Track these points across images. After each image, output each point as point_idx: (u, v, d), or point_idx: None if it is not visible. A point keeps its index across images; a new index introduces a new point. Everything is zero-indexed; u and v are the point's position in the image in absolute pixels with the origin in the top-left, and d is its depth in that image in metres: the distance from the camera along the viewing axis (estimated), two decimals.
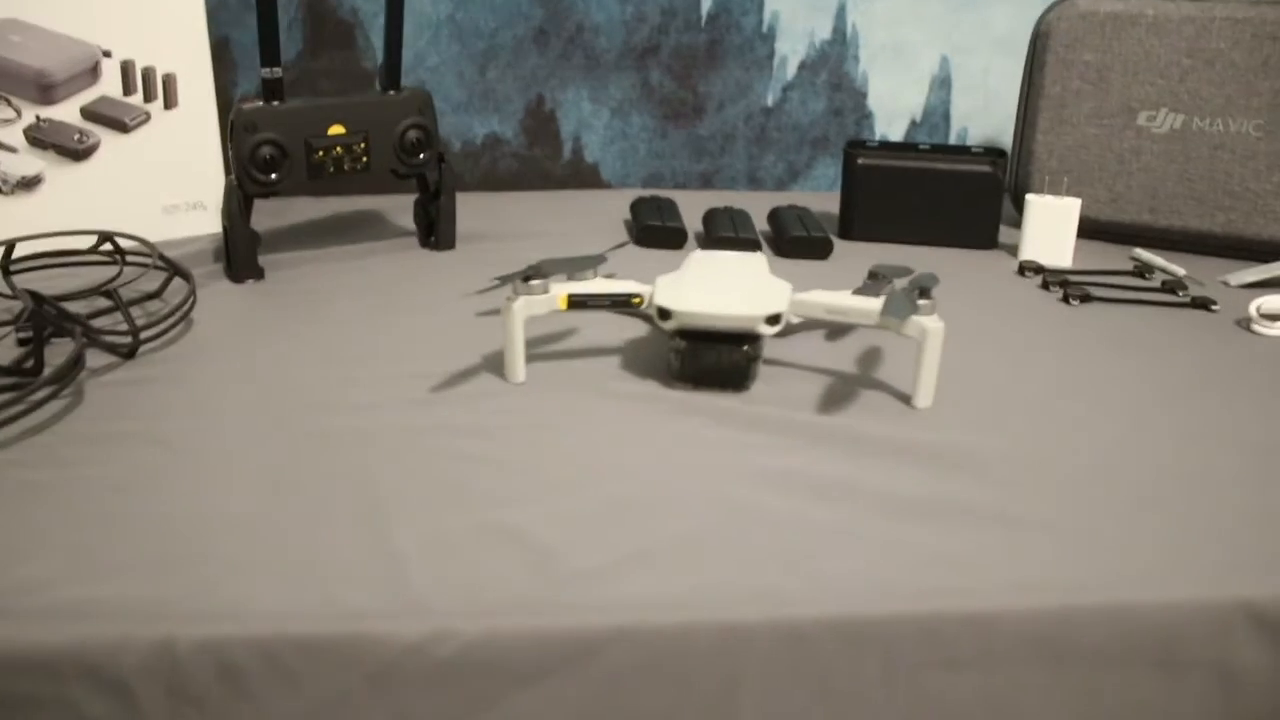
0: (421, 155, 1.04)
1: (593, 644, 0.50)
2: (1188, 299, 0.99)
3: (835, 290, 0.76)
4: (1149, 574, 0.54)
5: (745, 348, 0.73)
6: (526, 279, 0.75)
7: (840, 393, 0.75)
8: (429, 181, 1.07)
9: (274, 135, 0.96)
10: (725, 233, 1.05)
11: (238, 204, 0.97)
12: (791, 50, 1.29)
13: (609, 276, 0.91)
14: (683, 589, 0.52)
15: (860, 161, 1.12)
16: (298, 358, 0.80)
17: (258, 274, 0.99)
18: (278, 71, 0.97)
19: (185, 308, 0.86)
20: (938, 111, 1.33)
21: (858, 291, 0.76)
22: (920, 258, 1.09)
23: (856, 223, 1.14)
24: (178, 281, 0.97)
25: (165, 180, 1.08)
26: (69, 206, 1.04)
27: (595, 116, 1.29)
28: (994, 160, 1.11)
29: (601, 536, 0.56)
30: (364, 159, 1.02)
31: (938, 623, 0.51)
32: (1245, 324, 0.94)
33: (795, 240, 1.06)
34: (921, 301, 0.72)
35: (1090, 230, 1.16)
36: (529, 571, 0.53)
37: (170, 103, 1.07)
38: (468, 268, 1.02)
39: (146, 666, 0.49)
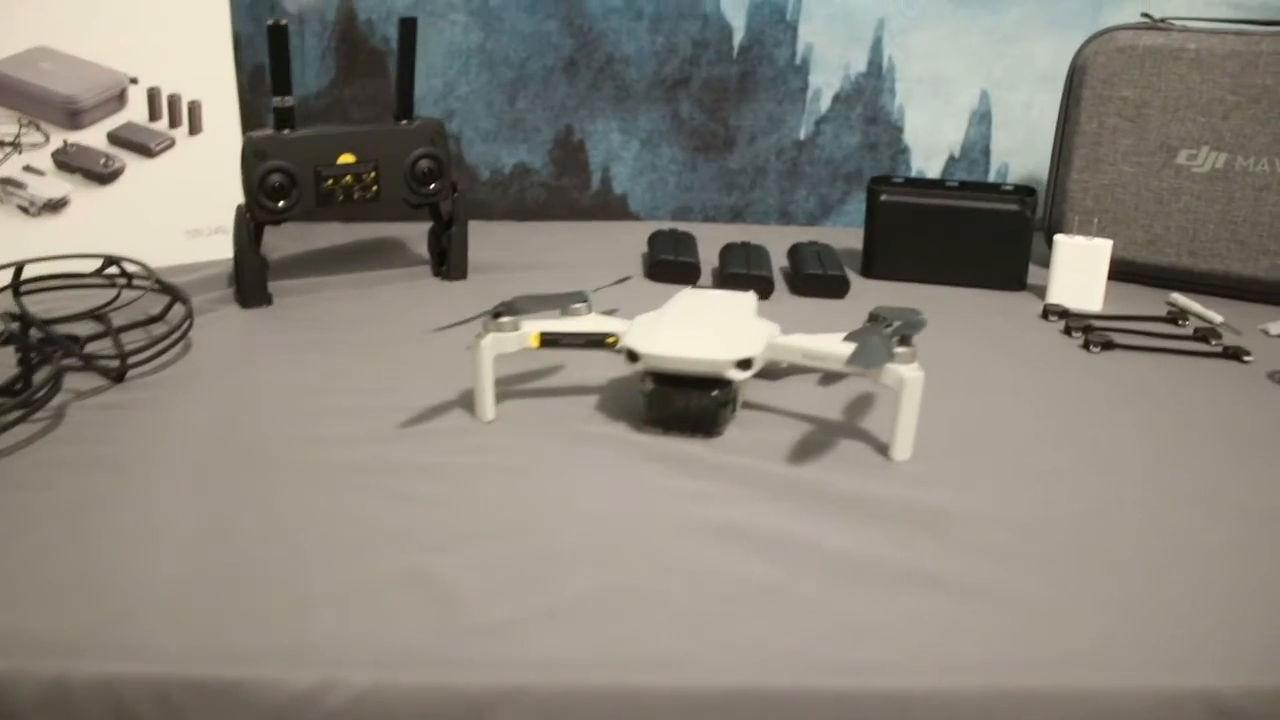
0: (432, 185, 1.04)
1: (483, 703, 0.48)
2: (1219, 348, 0.94)
3: (839, 333, 0.73)
4: (1099, 656, 0.51)
5: (715, 393, 0.71)
6: (496, 316, 0.74)
7: (818, 442, 0.73)
8: (442, 211, 1.07)
9: (283, 163, 0.97)
10: (738, 269, 1.03)
11: (247, 230, 0.97)
12: (826, 83, 1.27)
13: (609, 313, 0.89)
14: (587, 649, 0.50)
15: (883, 198, 1.09)
16: (281, 387, 0.80)
17: (266, 300, 1.00)
18: (289, 100, 0.97)
19: (177, 333, 0.86)
20: (977, 147, 1.29)
21: (851, 336, 0.73)
22: (944, 298, 1.06)
23: (879, 260, 1.11)
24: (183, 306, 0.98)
25: (189, 205, 1.09)
26: (94, 229, 1.06)
27: (624, 148, 1.28)
28: (1023, 199, 1.07)
29: (519, 589, 0.55)
30: (374, 188, 1.02)
31: (849, 700, 0.48)
32: (1277, 377, 0.88)
33: (810, 278, 1.04)
34: (900, 349, 0.69)
35: (1126, 273, 1.12)
36: (436, 623, 0.52)
37: (195, 129, 1.09)
38: (475, 298, 1.01)
39: (43, 702, 0.48)
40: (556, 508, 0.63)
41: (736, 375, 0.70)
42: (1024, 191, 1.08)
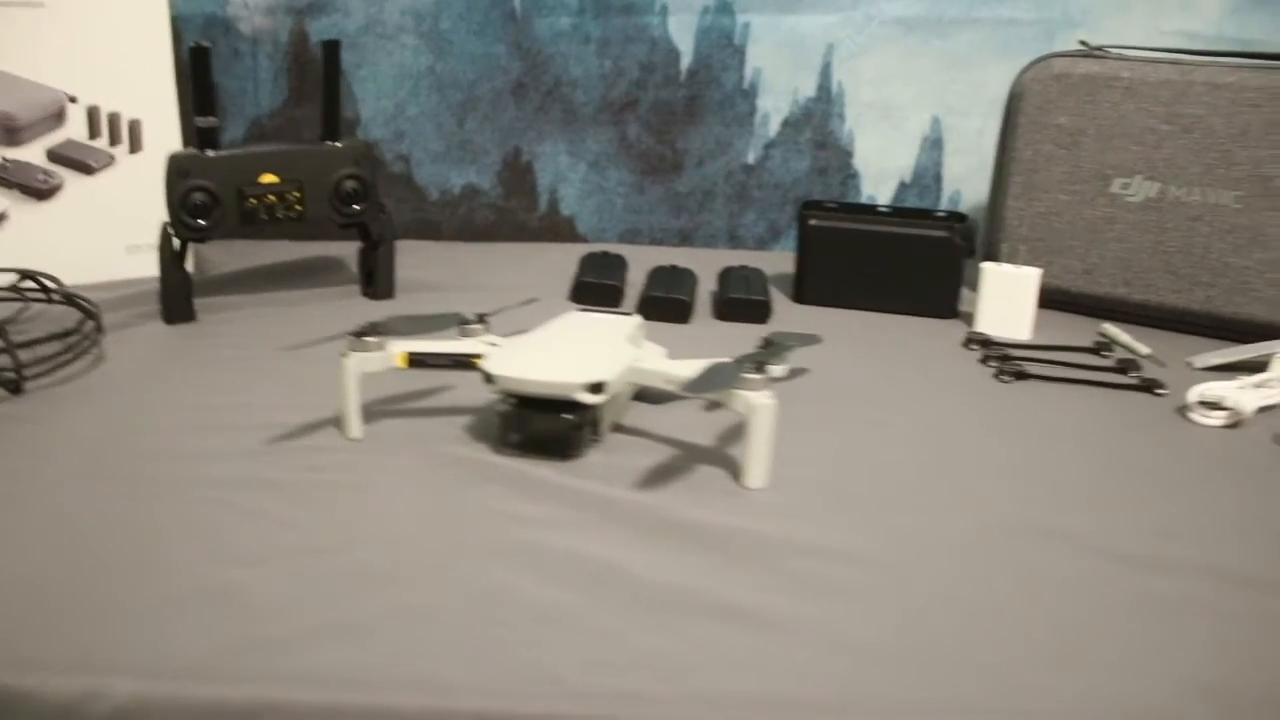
0: (356, 205, 1.04)
1: (237, 715, 0.48)
2: (1135, 381, 0.92)
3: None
4: (884, 697, 0.50)
5: (568, 416, 0.70)
6: (361, 335, 0.74)
7: (678, 468, 0.72)
8: (371, 231, 1.08)
9: (205, 182, 0.98)
10: (657, 292, 1.03)
11: (169, 248, 0.99)
12: (774, 107, 1.26)
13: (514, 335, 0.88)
14: (355, 668, 0.50)
15: (813, 223, 1.09)
16: (176, 403, 0.81)
17: (189, 316, 1.01)
18: (211, 120, 0.99)
19: (79, 348, 0.87)
20: (929, 173, 1.28)
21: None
22: (871, 325, 1.05)
23: (810, 286, 1.10)
24: (111, 319, 0.99)
25: (129, 221, 1.11)
26: (32, 244, 1.08)
27: (572, 170, 1.29)
28: (953, 225, 1.05)
29: (315, 605, 0.55)
30: (299, 207, 1.03)
31: None
32: (1185, 412, 0.86)
33: (732, 302, 1.03)
34: (752, 375, 0.68)
35: (1062, 303, 1.10)
36: (221, 635, 0.52)
37: (135, 147, 1.11)
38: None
39: None
40: (384, 526, 0.63)
41: (588, 398, 0.70)
42: (956, 218, 1.06)
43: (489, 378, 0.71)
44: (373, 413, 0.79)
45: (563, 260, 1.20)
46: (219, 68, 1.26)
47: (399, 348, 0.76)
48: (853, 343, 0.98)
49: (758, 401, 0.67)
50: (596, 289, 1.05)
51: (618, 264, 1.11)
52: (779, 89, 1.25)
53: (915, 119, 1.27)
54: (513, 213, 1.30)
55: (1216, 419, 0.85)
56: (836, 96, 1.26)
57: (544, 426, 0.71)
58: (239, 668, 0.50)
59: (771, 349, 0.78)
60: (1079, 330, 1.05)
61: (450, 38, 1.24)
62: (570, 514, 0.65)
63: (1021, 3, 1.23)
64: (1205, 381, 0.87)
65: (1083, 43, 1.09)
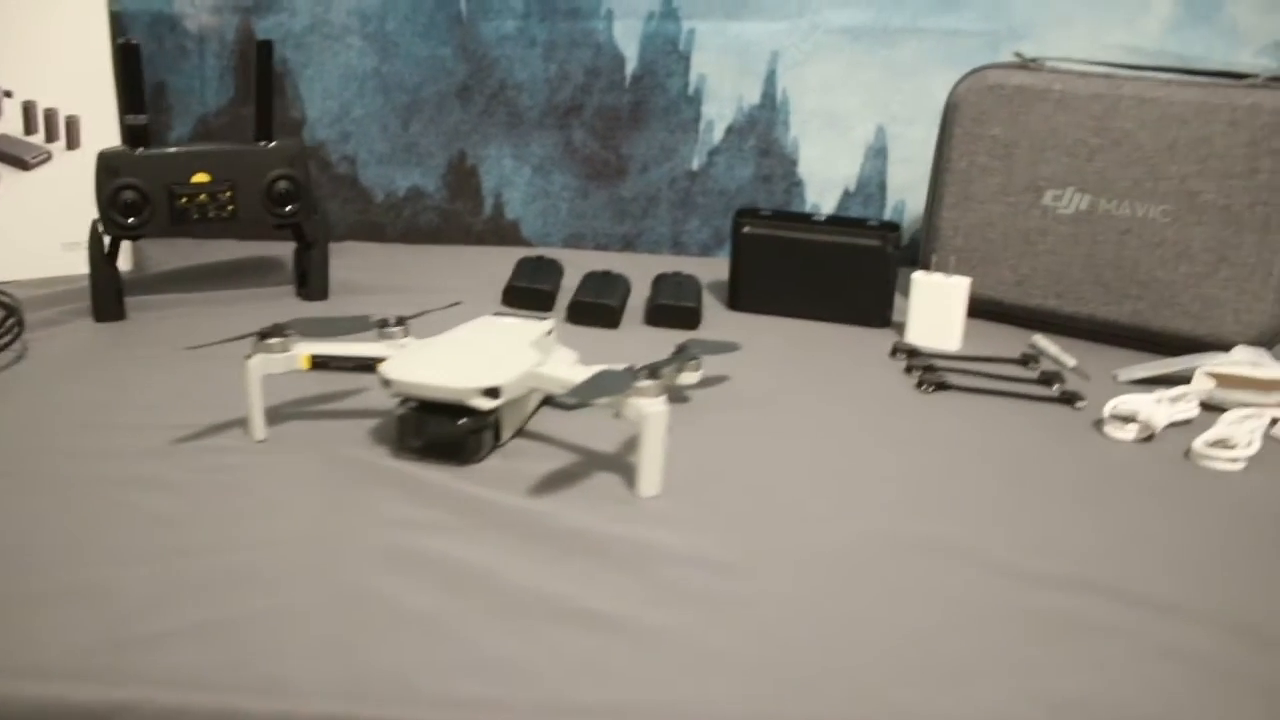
0: (289, 206, 1.04)
1: (82, 716, 0.48)
2: (1057, 393, 0.92)
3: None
4: (735, 704, 0.50)
5: (463, 420, 0.70)
6: (264, 337, 0.74)
7: (576, 474, 0.72)
8: (305, 232, 1.08)
9: (135, 180, 0.98)
10: (586, 298, 1.03)
11: (99, 246, 0.99)
12: (719, 114, 1.27)
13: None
14: (208, 668, 0.50)
15: (746, 230, 1.09)
16: (88, 401, 0.81)
17: (119, 315, 1.01)
18: (141, 118, 0.99)
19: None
20: (873, 182, 1.28)
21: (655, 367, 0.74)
22: (802, 333, 1.05)
23: (744, 293, 1.10)
24: (40, 316, 0.98)
25: (65, 218, 1.11)
26: None
27: (517, 174, 1.29)
28: (885, 234, 1.06)
29: (180, 605, 0.55)
30: (230, 207, 1.03)
31: None
32: (1100, 426, 0.86)
33: (660, 308, 1.03)
34: (645, 383, 0.68)
35: (996, 313, 1.10)
36: (75, 635, 0.52)
37: (73, 143, 1.11)
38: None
39: None
40: (269, 527, 0.63)
41: (483, 403, 0.70)
42: (888, 227, 1.07)
43: (386, 382, 0.71)
44: (284, 414, 0.79)
45: (503, 264, 1.20)
46: (166, 65, 1.26)
47: (303, 350, 0.76)
48: (779, 351, 0.99)
49: (649, 409, 0.67)
50: (527, 293, 1.05)
51: (553, 269, 1.11)
52: (723, 96, 1.26)
53: (860, 128, 1.27)
54: (458, 216, 1.30)
55: (1129, 433, 0.85)
56: (781, 104, 1.26)
57: (440, 431, 0.71)
58: (89, 668, 0.50)
59: (677, 356, 0.78)
60: (1011, 341, 1.05)
61: (396, 39, 1.25)
62: (455, 519, 0.65)
63: (966, 14, 1.23)
64: (1121, 395, 0.87)
65: (1018, 54, 1.09)
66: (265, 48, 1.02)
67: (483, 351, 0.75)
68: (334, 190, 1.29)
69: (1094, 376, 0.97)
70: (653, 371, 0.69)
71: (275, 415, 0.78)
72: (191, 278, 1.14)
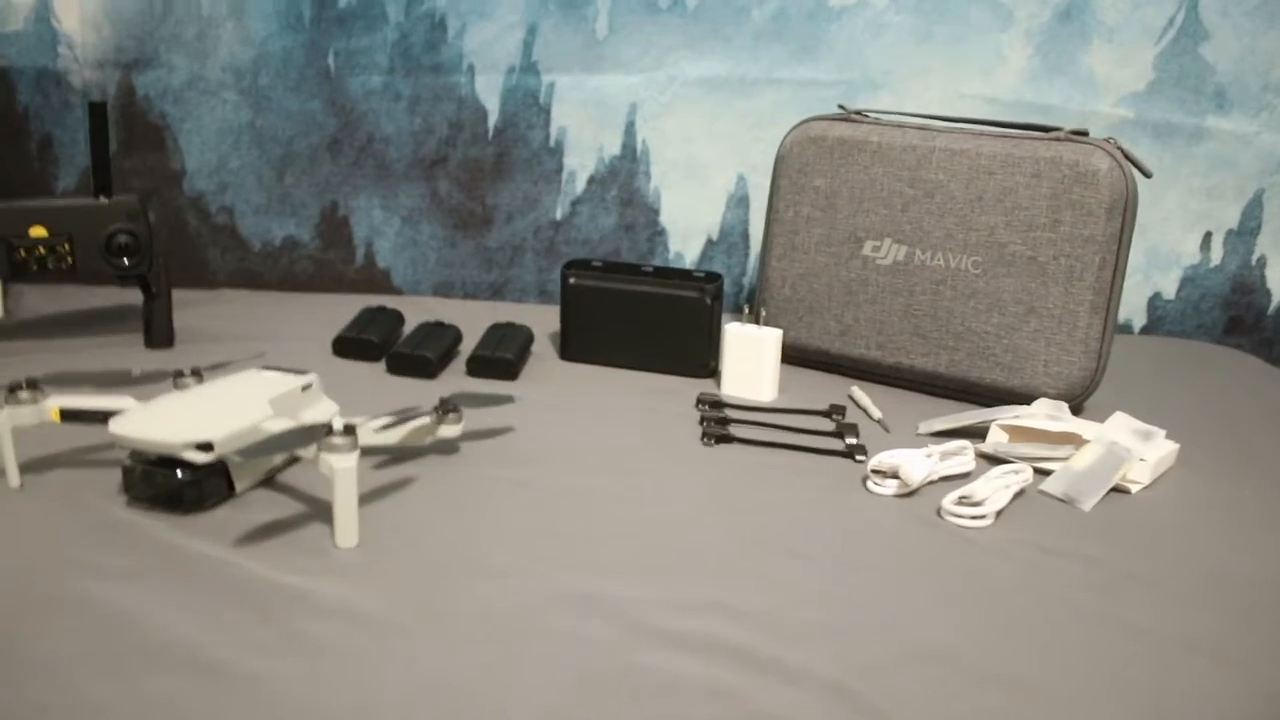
0: (127, 260, 1.08)
1: None
2: (843, 446, 0.93)
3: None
4: None
5: (180, 472, 0.73)
6: (13, 390, 0.77)
7: (293, 525, 0.74)
8: (150, 283, 1.11)
9: None
10: (404, 349, 1.05)
11: None
12: (580, 165, 1.29)
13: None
14: None
15: (572, 281, 1.10)
16: None
17: None
18: None
19: None
20: (735, 230, 1.29)
21: (399, 419, 0.78)
22: (621, 383, 1.06)
23: (573, 343, 1.12)
24: None
25: None
26: None
27: (386, 224, 1.32)
28: (703, 285, 1.07)
29: None
30: (69, 259, 1.07)
31: None
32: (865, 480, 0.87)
33: (477, 360, 1.05)
34: (338, 439, 0.70)
35: (822, 363, 1.11)
36: None
37: None
38: (161, 365, 1.05)
39: None
40: None
41: (197, 457, 0.72)
42: (710, 279, 1.08)
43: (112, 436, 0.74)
44: (59, 461, 0.82)
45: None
46: (52, 118, 1.31)
47: (54, 402, 0.78)
48: (584, 402, 1.00)
49: (339, 465, 0.69)
50: (355, 344, 1.08)
51: (391, 319, 1.13)
52: (585, 147, 1.28)
53: (720, 177, 1.28)
54: (331, 264, 1.33)
55: (889, 488, 0.85)
56: (642, 155, 1.28)
57: (156, 483, 0.73)
58: None
59: (411, 410, 0.80)
60: (832, 391, 1.06)
61: (269, 94, 1.28)
62: (142, 567, 0.67)
63: (822, 64, 1.24)
64: (888, 450, 0.87)
65: (841, 106, 1.10)
66: (99, 109, 1.06)
67: (215, 406, 0.77)
68: (214, 239, 1.33)
69: (905, 428, 0.97)
70: (348, 427, 0.71)
71: (55, 462, 0.81)
72: (50, 325, 1.18)
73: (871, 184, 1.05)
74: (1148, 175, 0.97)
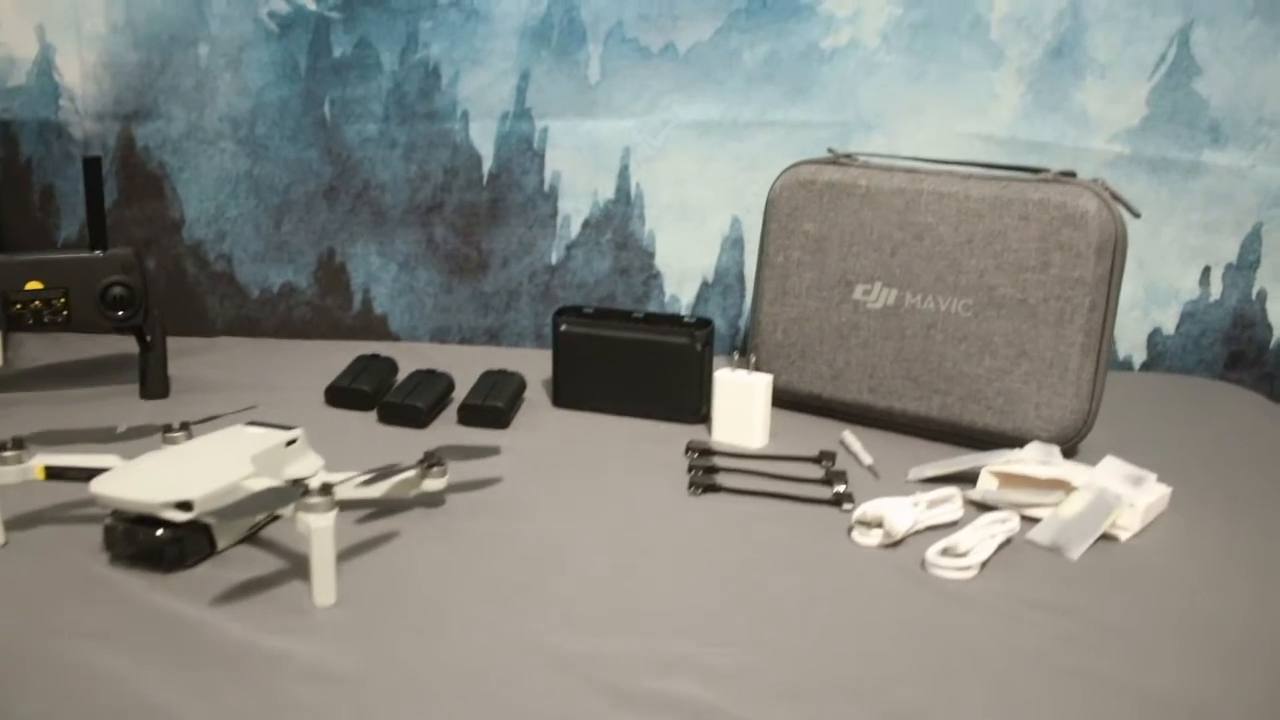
0: (122, 312, 1.09)
1: None
2: (830, 495, 0.92)
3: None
4: None
5: (160, 531, 0.73)
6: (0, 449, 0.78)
7: (272, 582, 0.74)
8: (145, 334, 1.12)
9: None
10: (395, 399, 1.05)
11: None
12: (575, 209, 1.29)
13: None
14: None
15: (564, 329, 1.10)
16: None
17: None
18: None
19: None
20: (731, 272, 1.29)
21: (381, 474, 0.78)
22: (613, 430, 1.06)
23: (565, 390, 1.12)
24: None
25: None
26: None
27: (383, 270, 1.32)
28: (693, 332, 1.07)
29: None
30: (65, 312, 1.08)
31: None
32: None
33: (467, 408, 1.05)
34: (315, 499, 0.70)
35: (814, 408, 1.10)
36: None
37: None
38: (153, 417, 1.05)
39: None
40: None
41: (176, 515, 0.72)
42: (700, 325, 1.08)
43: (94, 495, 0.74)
44: (43, 518, 0.82)
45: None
46: (53, 169, 1.33)
47: (39, 460, 0.79)
48: (575, 451, 1.00)
49: (315, 524, 0.69)
50: (347, 393, 1.08)
51: (384, 367, 1.13)
52: (579, 191, 1.28)
53: (715, 219, 1.28)
54: (329, 311, 1.33)
55: (873, 539, 0.84)
56: (636, 198, 1.28)
57: (139, 540, 0.73)
58: None
59: (395, 465, 0.80)
60: (823, 437, 1.05)
61: (266, 143, 1.29)
62: (120, 627, 0.67)
63: (815, 106, 1.24)
64: (874, 499, 0.86)
65: (831, 150, 1.10)
66: (93, 164, 1.07)
67: (197, 465, 0.77)
68: (212, 287, 1.34)
69: (896, 474, 0.96)
70: (326, 487, 0.71)
71: (39, 518, 0.82)
72: (49, 375, 1.19)
73: (861, 228, 1.05)
74: (1136, 215, 0.97)
